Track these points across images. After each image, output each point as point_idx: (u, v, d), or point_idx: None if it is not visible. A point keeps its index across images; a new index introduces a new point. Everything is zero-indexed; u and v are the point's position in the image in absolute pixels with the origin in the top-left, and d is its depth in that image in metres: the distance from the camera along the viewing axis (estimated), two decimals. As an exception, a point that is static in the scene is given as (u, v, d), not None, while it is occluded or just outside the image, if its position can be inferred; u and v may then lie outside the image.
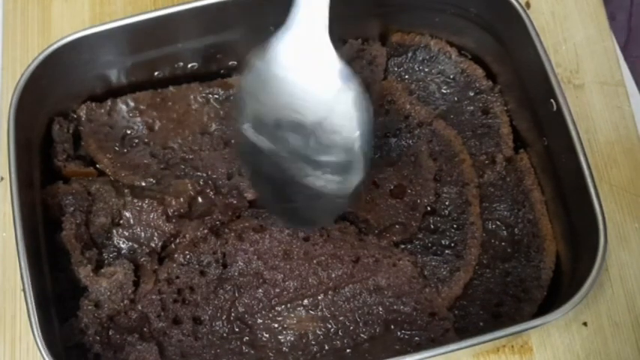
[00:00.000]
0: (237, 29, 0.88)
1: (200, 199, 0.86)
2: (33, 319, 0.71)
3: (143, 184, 0.87)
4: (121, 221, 0.85)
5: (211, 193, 0.86)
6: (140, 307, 0.81)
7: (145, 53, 0.88)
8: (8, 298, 0.86)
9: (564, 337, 0.85)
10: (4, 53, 0.98)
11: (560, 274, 0.82)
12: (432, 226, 0.86)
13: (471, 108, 0.91)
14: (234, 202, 0.86)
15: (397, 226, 0.85)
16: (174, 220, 0.85)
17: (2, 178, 0.91)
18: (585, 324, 0.85)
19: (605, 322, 0.85)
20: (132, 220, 0.85)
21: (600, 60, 0.96)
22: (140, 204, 0.85)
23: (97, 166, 0.89)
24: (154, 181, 0.87)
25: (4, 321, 0.86)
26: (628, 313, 0.85)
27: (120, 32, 0.83)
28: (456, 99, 0.91)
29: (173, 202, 0.85)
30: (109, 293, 0.80)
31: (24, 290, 0.72)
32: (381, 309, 0.82)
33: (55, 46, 0.81)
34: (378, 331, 0.81)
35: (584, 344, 0.84)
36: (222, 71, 0.93)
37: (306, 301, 0.83)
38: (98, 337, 0.79)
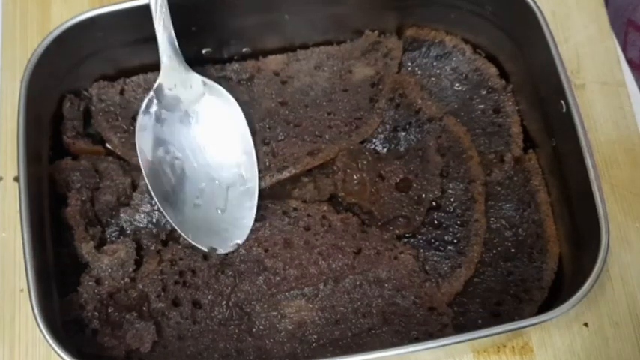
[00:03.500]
0: (250, 15, 0.88)
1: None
2: (32, 291, 0.72)
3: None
4: (130, 202, 0.86)
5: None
6: (141, 286, 0.82)
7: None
8: (8, 299, 0.87)
9: (565, 337, 0.84)
10: (3, 53, 0.98)
11: (561, 277, 0.82)
12: (436, 222, 0.86)
13: (483, 106, 0.90)
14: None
15: (401, 220, 0.85)
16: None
17: (2, 178, 0.92)
18: (586, 324, 0.85)
19: (606, 323, 0.84)
20: (141, 202, 0.86)
21: (601, 60, 0.96)
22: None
23: (106, 145, 0.89)
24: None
25: (4, 321, 0.86)
26: (629, 313, 0.84)
27: (132, 14, 0.83)
28: (467, 96, 0.91)
29: None
30: (110, 270, 0.81)
31: (25, 262, 0.73)
32: (380, 301, 0.81)
33: (68, 24, 0.82)
34: (376, 323, 0.81)
35: (585, 344, 0.84)
36: (235, 57, 0.93)
37: (305, 290, 0.83)
38: (97, 313, 0.79)
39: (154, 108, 0.84)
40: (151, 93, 0.83)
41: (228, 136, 0.86)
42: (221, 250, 0.83)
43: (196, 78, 0.85)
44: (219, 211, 0.84)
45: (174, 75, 0.84)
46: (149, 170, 0.83)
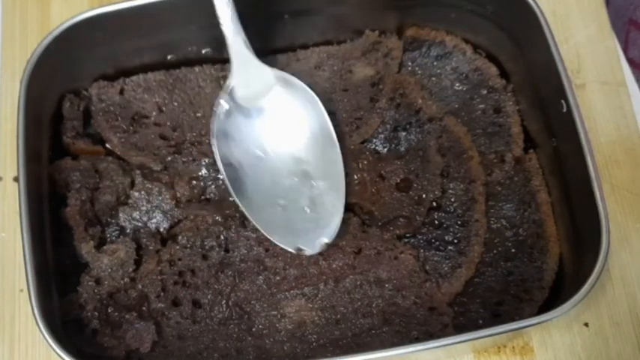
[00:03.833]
0: (251, 16, 0.88)
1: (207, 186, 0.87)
2: (32, 291, 0.72)
3: (152, 166, 0.87)
4: (129, 201, 0.86)
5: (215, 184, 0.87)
6: (140, 287, 0.82)
7: (158, 36, 0.88)
8: (7, 299, 0.87)
9: (565, 337, 0.84)
10: (3, 53, 0.98)
11: (562, 277, 0.82)
12: (437, 222, 0.86)
13: (483, 106, 0.90)
14: None
15: (401, 220, 0.85)
16: (182, 206, 0.86)
17: (1, 178, 0.92)
18: (586, 324, 0.84)
19: (607, 323, 0.84)
20: (140, 201, 0.86)
21: (601, 60, 0.96)
22: (150, 186, 0.86)
23: (106, 145, 0.89)
24: (162, 165, 0.87)
25: (4, 321, 0.86)
26: (629, 313, 0.84)
27: (132, 13, 0.83)
28: (468, 96, 0.91)
29: (182, 189, 0.86)
30: (109, 270, 0.81)
31: (24, 262, 0.73)
32: (380, 301, 0.81)
33: (68, 24, 0.82)
34: (376, 323, 0.81)
35: (586, 345, 0.84)
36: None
37: (305, 290, 0.82)
38: (97, 313, 0.79)
39: (227, 111, 0.81)
40: (224, 97, 0.81)
41: (309, 129, 0.83)
42: (309, 251, 0.81)
43: (269, 72, 0.82)
44: (306, 209, 0.82)
45: (246, 73, 0.81)
46: (231, 175, 0.81)
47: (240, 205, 0.81)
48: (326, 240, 0.81)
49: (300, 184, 0.83)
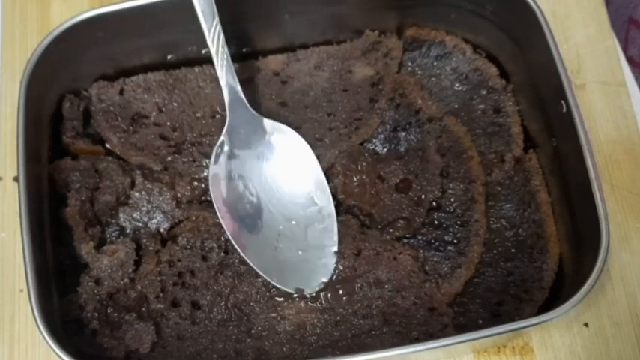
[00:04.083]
0: (251, 16, 0.88)
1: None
2: (32, 291, 0.72)
3: (152, 166, 0.87)
4: (129, 201, 0.86)
5: None
6: (140, 287, 0.82)
7: (158, 36, 0.88)
8: (7, 299, 0.87)
9: (565, 337, 0.84)
10: (3, 53, 0.98)
11: (562, 277, 0.82)
12: (436, 222, 0.86)
13: (483, 106, 0.90)
14: None
15: (401, 222, 0.85)
16: (182, 206, 0.86)
17: (1, 178, 0.92)
18: (586, 325, 0.84)
19: (606, 323, 0.84)
20: (140, 202, 0.86)
21: (601, 60, 0.96)
22: (151, 187, 0.86)
23: (106, 145, 0.89)
24: (162, 165, 0.87)
25: (4, 321, 0.86)
26: (629, 313, 0.84)
27: (132, 13, 0.83)
28: (468, 96, 0.91)
29: (183, 189, 0.86)
30: (109, 270, 0.81)
31: (24, 262, 0.73)
32: (380, 302, 0.81)
33: (68, 24, 0.82)
34: (376, 324, 0.80)
35: (585, 345, 0.84)
36: (235, 57, 0.92)
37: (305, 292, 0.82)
38: (96, 314, 0.79)
39: (224, 156, 0.83)
40: (220, 141, 0.83)
41: (301, 175, 0.85)
42: (308, 291, 0.82)
43: (263, 122, 0.84)
44: (299, 252, 0.83)
45: (241, 122, 0.84)
46: (229, 219, 0.82)
47: (240, 251, 0.82)
48: (324, 279, 0.82)
49: (295, 227, 0.84)
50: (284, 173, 0.85)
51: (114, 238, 0.85)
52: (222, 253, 0.84)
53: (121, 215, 0.86)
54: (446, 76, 0.92)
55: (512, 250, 0.84)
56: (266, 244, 0.83)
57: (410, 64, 0.93)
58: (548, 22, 0.81)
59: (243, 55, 0.93)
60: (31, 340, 0.85)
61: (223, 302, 0.82)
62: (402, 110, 0.90)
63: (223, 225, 0.81)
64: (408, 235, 0.85)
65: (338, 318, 0.81)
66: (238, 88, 0.82)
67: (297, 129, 0.89)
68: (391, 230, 0.85)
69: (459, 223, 0.85)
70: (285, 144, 0.85)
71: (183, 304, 0.82)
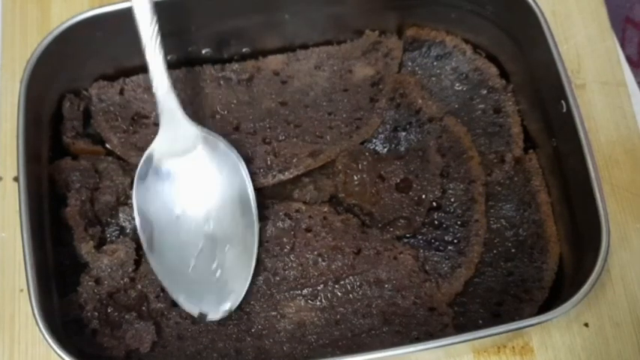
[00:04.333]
0: (251, 16, 0.88)
1: None
2: (32, 291, 0.72)
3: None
4: (129, 201, 0.86)
5: None
6: (140, 287, 0.82)
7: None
8: (7, 299, 0.87)
9: (565, 337, 0.84)
10: (3, 53, 0.98)
11: (562, 277, 0.82)
12: (436, 222, 0.86)
13: (483, 106, 0.90)
14: None
15: (401, 221, 0.85)
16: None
17: (1, 178, 0.92)
18: (586, 325, 0.84)
19: (607, 323, 0.84)
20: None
21: (601, 59, 0.96)
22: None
23: (106, 145, 0.89)
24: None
25: (4, 321, 0.86)
26: (629, 313, 0.84)
27: (132, 14, 0.82)
28: (468, 96, 0.91)
29: None
30: (109, 270, 0.81)
31: (24, 262, 0.72)
32: (380, 302, 0.81)
33: (68, 24, 0.82)
34: (376, 323, 0.80)
35: (586, 345, 0.84)
36: (235, 57, 0.93)
37: (305, 291, 0.82)
38: (96, 313, 0.79)
39: (149, 166, 0.81)
40: (146, 153, 0.81)
41: (226, 192, 0.82)
42: (211, 316, 0.80)
43: (195, 131, 0.80)
44: (215, 274, 0.81)
45: (173, 130, 0.80)
46: (147, 229, 0.80)
47: (149, 260, 0.80)
48: (229, 306, 0.80)
49: (212, 247, 0.81)
50: (211, 188, 0.82)
51: (114, 237, 0.85)
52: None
53: (120, 215, 0.86)
54: (446, 76, 0.92)
55: (513, 250, 0.84)
56: (181, 260, 0.81)
57: (410, 64, 0.93)
58: (549, 22, 0.80)
59: (243, 55, 0.93)
60: (31, 340, 0.85)
61: (223, 301, 0.82)
62: (403, 110, 0.90)
63: (140, 236, 0.80)
64: (408, 235, 0.85)
65: (338, 317, 0.81)
66: (173, 95, 0.78)
67: (297, 127, 0.89)
68: (391, 229, 0.85)
69: (459, 223, 0.85)
70: (215, 157, 0.82)
71: (183, 303, 0.82)
